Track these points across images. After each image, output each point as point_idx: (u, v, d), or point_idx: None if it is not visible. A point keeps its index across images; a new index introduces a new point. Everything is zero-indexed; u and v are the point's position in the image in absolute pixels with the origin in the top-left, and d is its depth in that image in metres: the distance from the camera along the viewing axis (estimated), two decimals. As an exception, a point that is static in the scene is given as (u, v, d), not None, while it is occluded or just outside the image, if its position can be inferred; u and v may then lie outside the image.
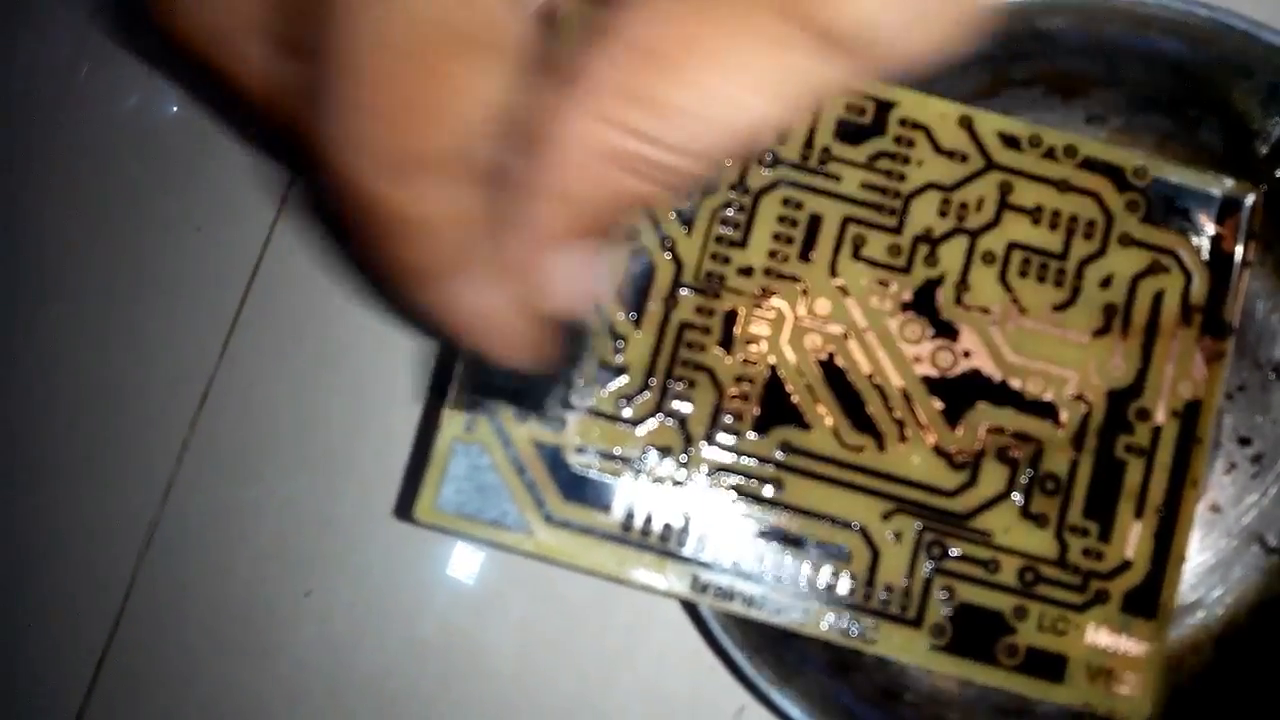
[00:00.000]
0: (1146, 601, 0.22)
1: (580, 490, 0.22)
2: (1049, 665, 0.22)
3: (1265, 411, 0.26)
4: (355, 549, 0.30)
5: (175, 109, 0.32)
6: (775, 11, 0.13)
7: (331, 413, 0.30)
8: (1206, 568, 0.25)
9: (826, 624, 0.22)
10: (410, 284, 0.16)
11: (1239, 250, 0.23)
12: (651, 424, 0.22)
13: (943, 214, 0.23)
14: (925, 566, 0.22)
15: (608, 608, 0.29)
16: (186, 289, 0.31)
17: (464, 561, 0.29)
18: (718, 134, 0.14)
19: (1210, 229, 0.23)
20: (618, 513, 0.22)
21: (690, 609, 0.27)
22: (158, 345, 0.31)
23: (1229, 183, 0.23)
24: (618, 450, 0.22)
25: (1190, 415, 0.23)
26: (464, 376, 0.22)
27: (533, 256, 0.16)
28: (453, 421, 0.22)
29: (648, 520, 0.22)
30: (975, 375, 0.23)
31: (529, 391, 0.22)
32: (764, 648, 0.23)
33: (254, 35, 0.16)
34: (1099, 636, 0.22)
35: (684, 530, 0.22)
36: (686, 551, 0.22)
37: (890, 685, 0.24)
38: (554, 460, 0.22)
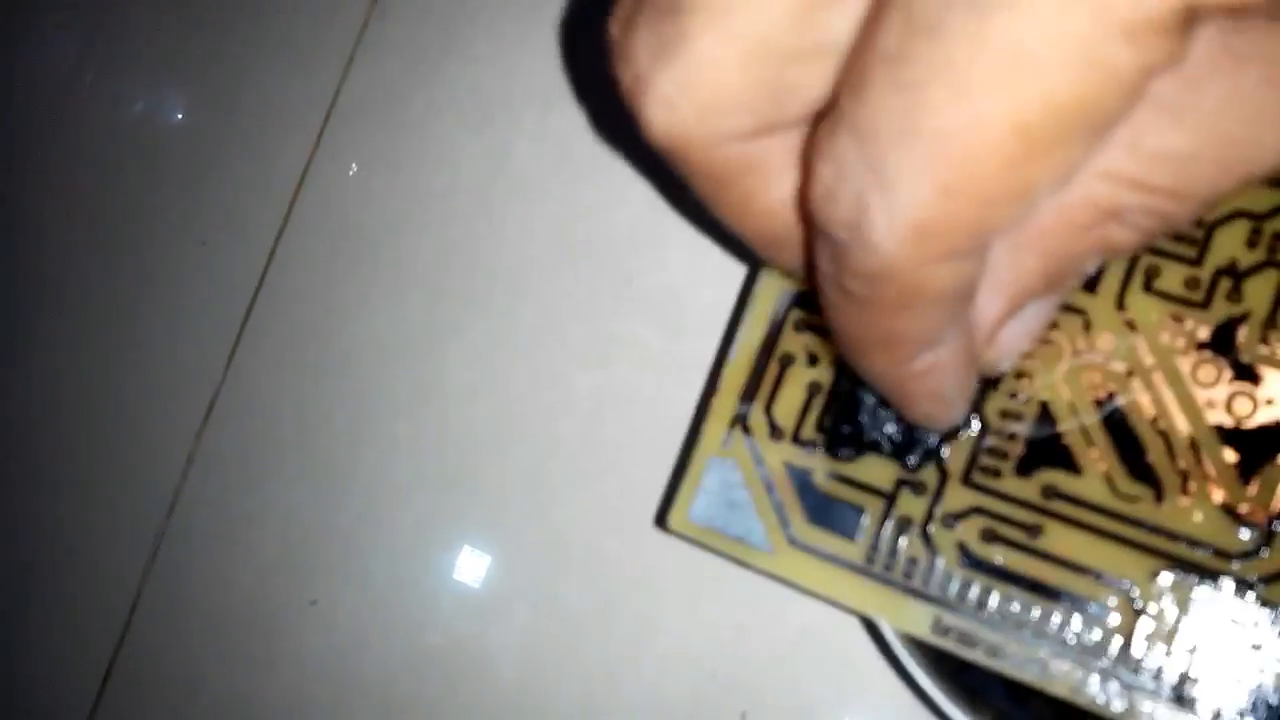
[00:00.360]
0: None
1: (826, 516, 0.22)
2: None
3: None
4: (358, 557, 0.29)
5: (180, 116, 0.33)
6: None
7: (335, 423, 0.30)
8: None
9: (1077, 686, 0.20)
10: (882, 352, 0.16)
11: None
12: (909, 457, 0.22)
13: (1251, 245, 0.20)
14: (1195, 634, 0.20)
15: (610, 616, 0.28)
16: (191, 301, 0.32)
17: (469, 566, 0.29)
18: (1230, 178, 0.14)
19: None
20: (862, 543, 0.22)
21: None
22: (163, 358, 0.32)
23: None
24: (869, 480, 0.22)
25: None
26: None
27: (999, 312, 0.17)
28: (711, 436, 0.23)
29: (893, 553, 0.21)
30: (1278, 427, 0.20)
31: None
32: (943, 666, 0.22)
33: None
34: None
35: (929, 569, 0.21)
36: (931, 590, 0.21)
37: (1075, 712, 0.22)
38: (803, 483, 0.22)
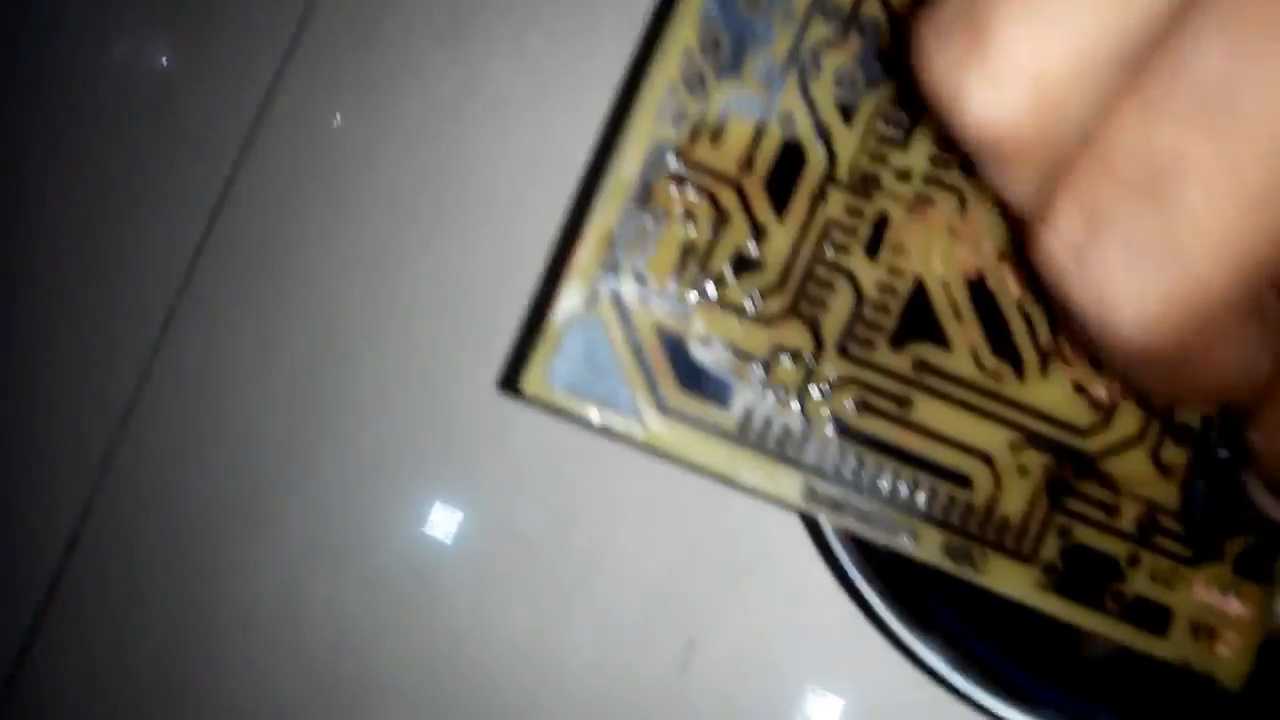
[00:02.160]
0: (1259, 565, 0.22)
1: (698, 383, 0.21)
2: (1154, 617, 0.22)
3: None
4: (313, 475, 0.29)
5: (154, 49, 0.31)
6: None
7: (295, 342, 0.29)
8: None
9: (937, 548, 0.21)
10: None
11: None
12: (782, 323, 0.21)
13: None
14: (1045, 503, 0.21)
15: (566, 537, 0.28)
16: (153, 213, 0.30)
17: (424, 488, 0.29)
18: None
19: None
20: (736, 411, 0.21)
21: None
22: (122, 269, 0.31)
23: None
24: (744, 346, 0.21)
25: (1336, 381, 0.22)
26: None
27: None
28: (572, 296, 0.21)
29: (766, 423, 0.21)
30: (1126, 313, 0.22)
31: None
32: (897, 592, 0.22)
33: None
34: (1207, 595, 0.22)
35: (803, 437, 0.21)
36: (804, 459, 0.21)
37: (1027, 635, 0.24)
38: (675, 349, 0.21)
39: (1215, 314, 0.15)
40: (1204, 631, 0.22)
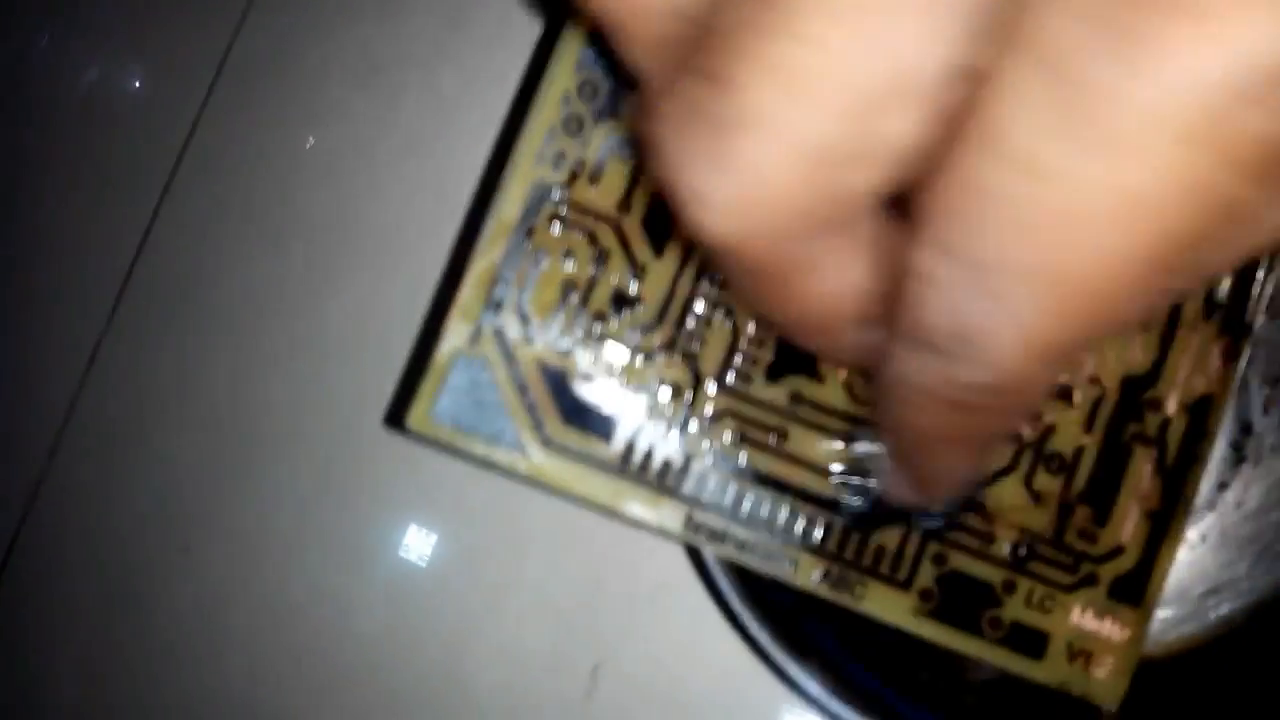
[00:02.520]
0: (1133, 590, 0.22)
1: (582, 417, 0.22)
2: (1031, 641, 0.22)
3: None
4: (229, 508, 0.30)
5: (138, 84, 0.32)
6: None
7: (215, 375, 0.30)
8: (1229, 557, 0.26)
9: (815, 576, 0.22)
10: (958, 448, 0.17)
11: (1264, 253, 0.23)
12: (661, 359, 0.22)
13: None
14: (920, 531, 0.22)
15: (474, 566, 0.29)
16: (76, 253, 0.31)
17: (333, 515, 0.30)
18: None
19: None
20: (618, 444, 0.21)
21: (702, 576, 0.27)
22: (46, 308, 0.31)
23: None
24: (626, 380, 0.22)
25: (1201, 410, 0.23)
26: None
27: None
28: (456, 333, 0.21)
29: (648, 455, 0.21)
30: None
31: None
32: (778, 621, 0.23)
33: None
34: (1083, 619, 0.22)
35: (683, 469, 0.21)
36: (685, 490, 0.21)
37: (907, 661, 0.24)
38: (557, 384, 0.22)
39: (790, 219, 0.14)
40: (1080, 655, 0.22)
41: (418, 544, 0.29)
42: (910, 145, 0.13)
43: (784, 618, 0.23)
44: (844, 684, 0.22)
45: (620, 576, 0.28)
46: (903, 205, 0.14)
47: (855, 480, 0.22)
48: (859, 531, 0.22)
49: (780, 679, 0.22)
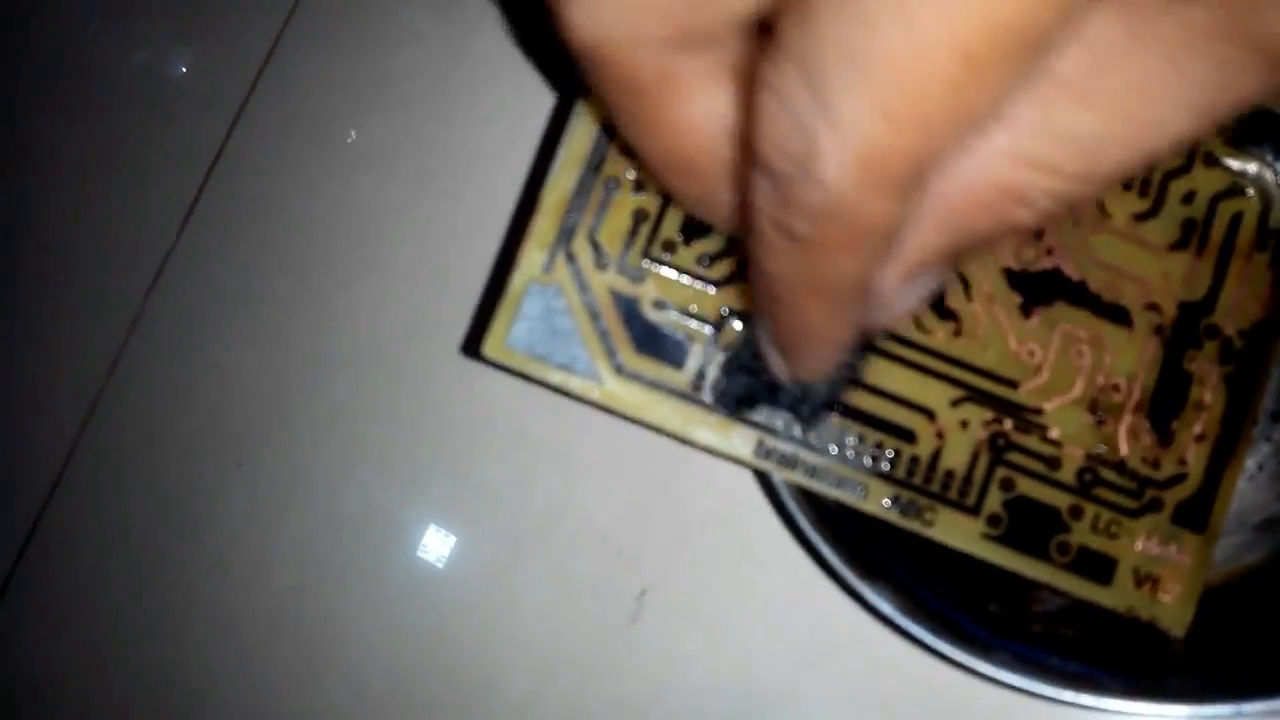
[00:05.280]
0: (1197, 516, 0.23)
1: (654, 345, 0.22)
2: (1098, 566, 0.22)
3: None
4: (284, 426, 0.30)
5: (184, 70, 0.32)
6: (1219, 32, 0.13)
7: (278, 294, 0.30)
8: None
9: (885, 501, 0.22)
10: (815, 299, 0.16)
11: (1319, 183, 0.23)
12: (733, 287, 0.22)
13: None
14: (988, 456, 0.22)
15: (526, 490, 0.29)
16: (152, 168, 0.31)
17: (389, 444, 0.29)
18: (1134, 159, 0.14)
19: (1294, 158, 0.23)
20: (689, 372, 0.22)
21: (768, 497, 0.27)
22: (119, 220, 0.32)
23: (1315, 116, 0.23)
24: (695, 309, 0.22)
25: (1258, 337, 0.23)
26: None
27: (899, 280, 0.16)
28: (530, 261, 0.22)
29: (719, 382, 0.22)
30: (1056, 273, 0.23)
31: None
32: (847, 545, 0.23)
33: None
34: (1148, 544, 0.22)
35: (756, 395, 0.22)
36: (755, 416, 0.22)
37: (975, 592, 0.24)
38: (630, 312, 0.22)
39: (655, 21, 0.14)
40: (1147, 580, 0.22)
41: (477, 471, 0.29)
42: None
43: (854, 541, 0.23)
44: (914, 603, 0.22)
45: (669, 501, 0.28)
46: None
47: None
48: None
49: (850, 596, 0.22)
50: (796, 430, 0.22)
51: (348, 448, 0.29)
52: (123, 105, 0.31)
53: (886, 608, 0.22)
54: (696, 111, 0.16)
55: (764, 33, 0.14)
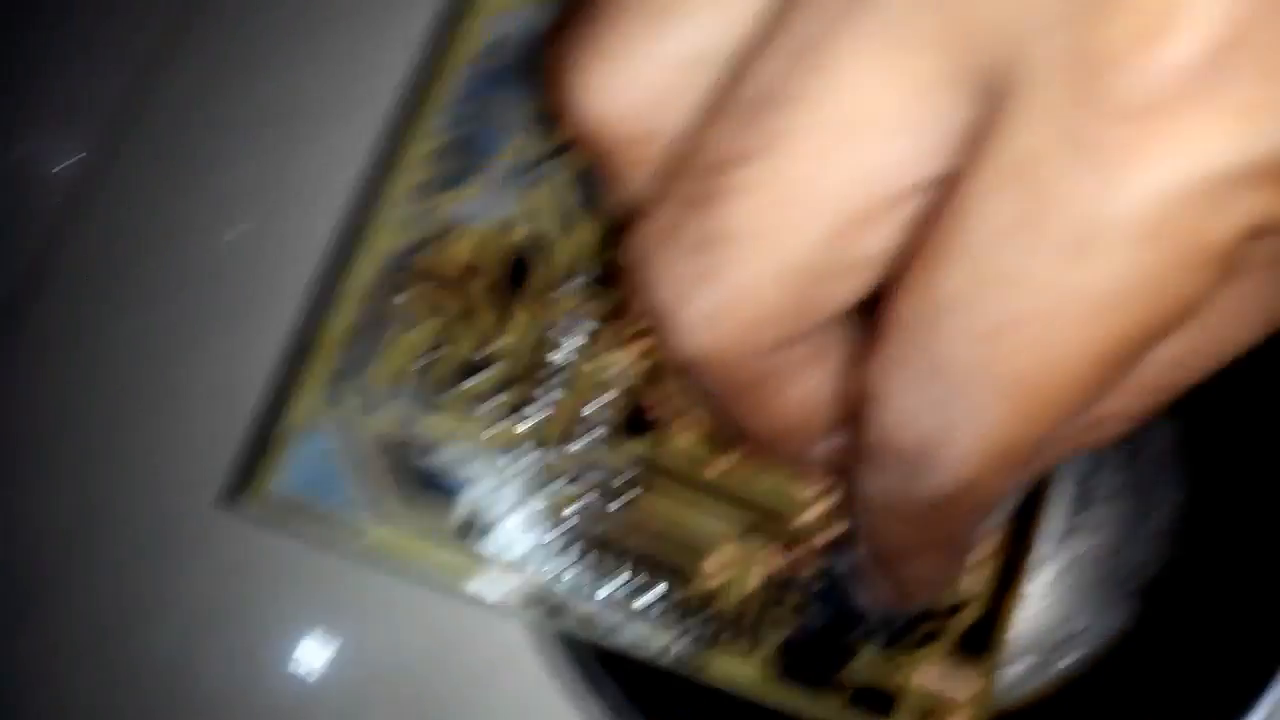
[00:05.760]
0: (979, 643, 0.23)
1: (425, 489, 0.21)
2: (880, 701, 0.22)
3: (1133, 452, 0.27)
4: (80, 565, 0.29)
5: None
6: None
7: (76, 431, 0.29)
8: (1073, 608, 0.26)
9: (658, 647, 0.21)
10: (936, 551, 0.17)
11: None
12: (506, 425, 0.21)
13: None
14: (763, 594, 0.22)
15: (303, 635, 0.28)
16: None
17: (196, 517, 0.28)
18: (1205, 370, 0.15)
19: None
20: (457, 518, 0.21)
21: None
22: None
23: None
24: (469, 450, 0.21)
25: (1039, 464, 0.23)
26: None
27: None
28: (297, 408, 0.21)
29: (489, 528, 0.21)
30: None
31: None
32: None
33: None
34: (930, 675, 0.22)
35: (529, 540, 0.21)
36: (528, 562, 0.21)
37: None
38: (400, 457, 0.21)
39: (767, 333, 0.15)
40: (931, 713, 0.22)
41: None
42: (886, 255, 0.14)
43: (634, 686, 0.22)
44: None
45: (460, 646, 0.28)
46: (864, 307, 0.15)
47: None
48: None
49: None
50: (569, 574, 0.21)
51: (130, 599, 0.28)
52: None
53: None
54: (797, 394, 0.17)
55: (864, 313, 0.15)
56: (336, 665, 0.28)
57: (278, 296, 0.28)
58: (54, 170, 0.31)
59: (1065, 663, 0.25)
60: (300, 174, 0.29)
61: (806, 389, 0.17)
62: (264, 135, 0.30)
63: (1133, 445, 0.26)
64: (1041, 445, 0.14)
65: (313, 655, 0.28)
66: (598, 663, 0.22)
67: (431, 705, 0.28)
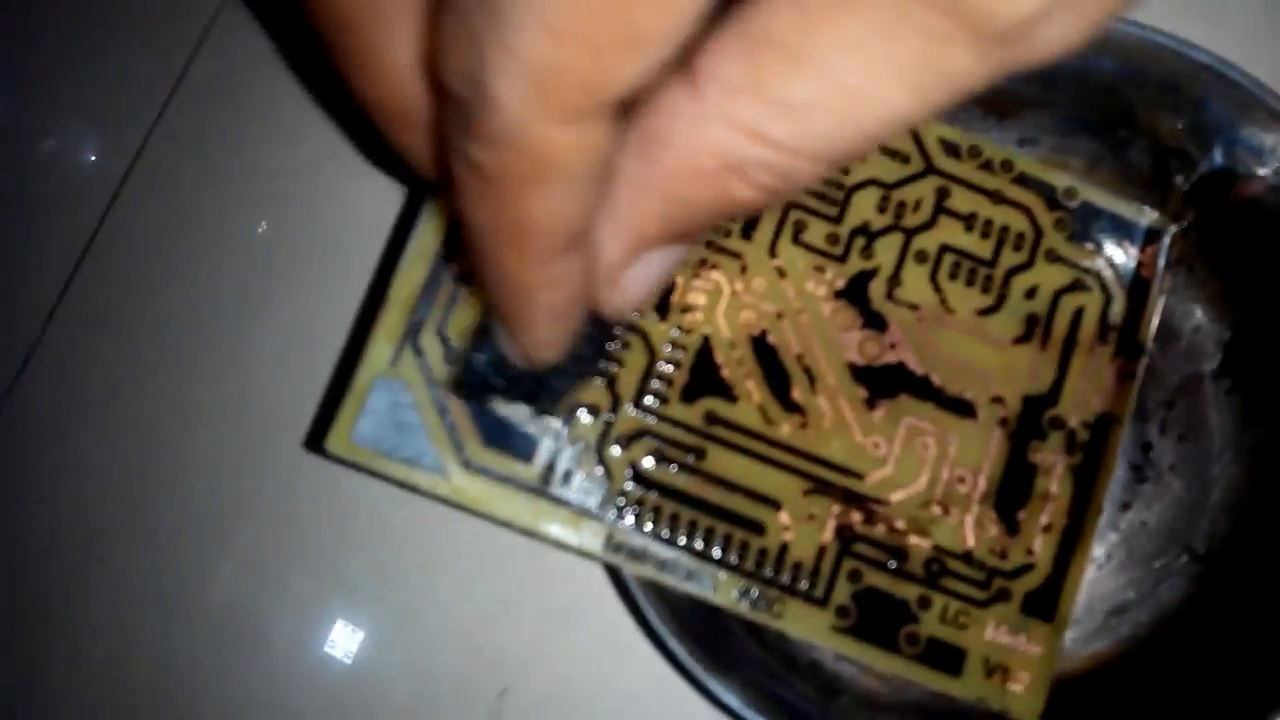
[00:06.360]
0: (1045, 605, 0.23)
1: (502, 438, 0.22)
2: (948, 657, 0.22)
3: (1194, 424, 0.27)
4: (148, 520, 0.30)
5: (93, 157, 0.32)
6: (930, 3, 0.12)
7: (143, 387, 0.30)
8: (1134, 575, 0.26)
9: (734, 594, 0.22)
10: (513, 246, 0.15)
11: (1157, 278, 0.24)
12: (542, 402, 0.22)
13: (881, 210, 0.24)
14: (835, 548, 0.22)
15: (385, 588, 0.29)
16: (15, 262, 0.31)
17: (253, 535, 0.29)
18: (848, 135, 0.14)
19: (1132, 254, 0.24)
20: (538, 465, 0.22)
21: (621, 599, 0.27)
22: None
23: (1152, 214, 0.24)
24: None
25: (1101, 429, 0.23)
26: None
27: (620, 253, 0.16)
28: (377, 355, 0.22)
29: (567, 476, 0.22)
30: (900, 368, 0.23)
31: (539, 389, 0.21)
32: (699, 641, 0.23)
33: None
34: (997, 634, 0.23)
35: (602, 488, 0.22)
36: (604, 509, 0.22)
37: (826, 686, 0.24)
38: (477, 406, 0.22)
39: None
40: (997, 670, 0.22)
41: (337, 568, 0.29)
42: None
43: (704, 635, 0.23)
44: (765, 698, 0.22)
45: (529, 596, 0.28)
46: None
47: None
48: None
49: (701, 694, 0.22)
50: (645, 522, 0.22)
51: (209, 545, 0.29)
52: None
53: (734, 702, 0.22)
54: (402, 52, 0.16)
55: None
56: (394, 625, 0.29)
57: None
58: (91, 158, 0.32)
59: (1124, 629, 0.25)
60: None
61: (408, 52, 0.16)
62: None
63: (1193, 418, 0.26)
64: (592, 92, 0.13)
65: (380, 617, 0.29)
66: (672, 613, 0.22)
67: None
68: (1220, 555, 0.25)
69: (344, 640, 0.28)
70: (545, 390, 0.21)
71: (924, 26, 0.12)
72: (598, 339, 0.21)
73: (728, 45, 0.13)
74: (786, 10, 0.13)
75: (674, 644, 0.22)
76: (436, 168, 0.18)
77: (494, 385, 0.21)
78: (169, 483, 0.29)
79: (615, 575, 0.23)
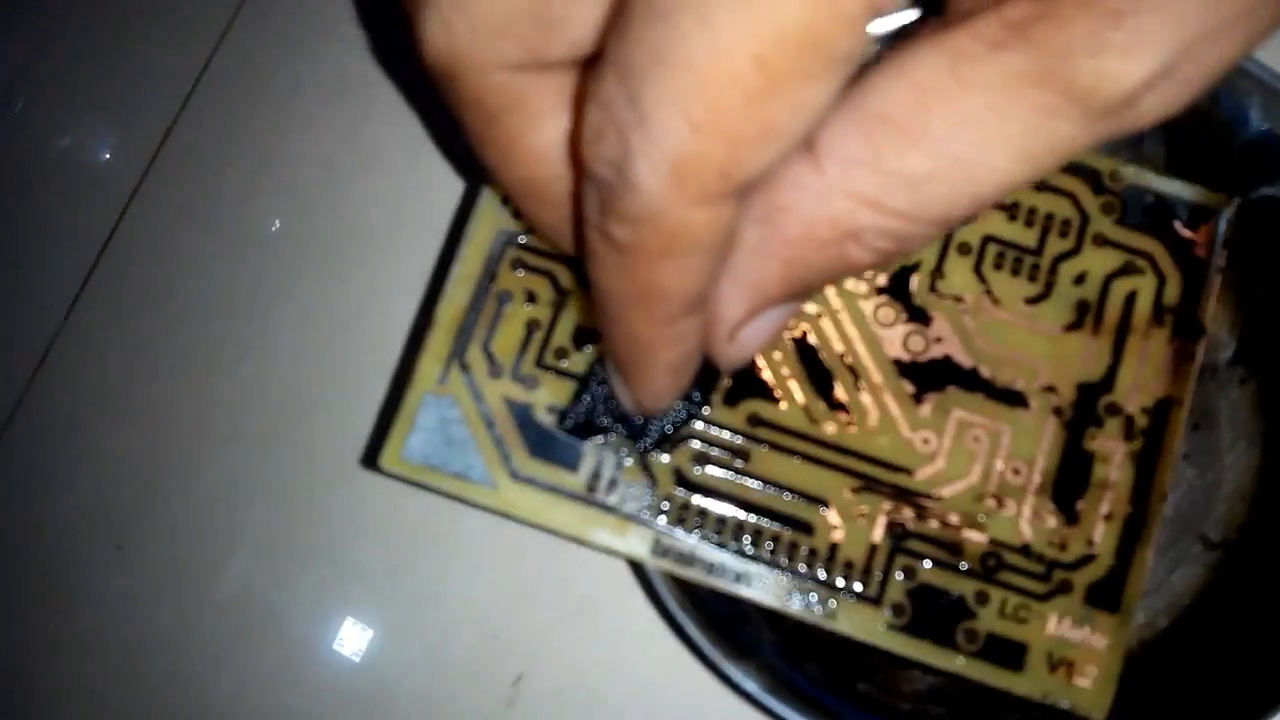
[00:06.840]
0: (1109, 595, 0.22)
1: (548, 449, 0.22)
2: (1009, 653, 0.22)
3: (1208, 413, 0.26)
4: (166, 507, 0.30)
5: (107, 155, 0.34)
6: (1036, 79, 0.14)
7: (160, 376, 0.31)
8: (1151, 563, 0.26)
9: (785, 597, 0.22)
10: (640, 309, 0.16)
11: (1214, 256, 0.23)
12: (643, 441, 0.22)
13: (921, 202, 0.23)
14: (887, 545, 0.22)
15: (400, 575, 0.29)
16: (40, 251, 0.32)
17: (267, 520, 0.30)
18: (962, 201, 0.15)
19: (1184, 234, 0.24)
20: (584, 474, 0.22)
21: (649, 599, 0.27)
22: (5, 301, 0.32)
23: (1201, 191, 0.24)
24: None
25: (1160, 413, 0.23)
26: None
27: (741, 312, 0.17)
28: (426, 373, 0.22)
29: (613, 483, 0.22)
30: (946, 361, 0.23)
31: (644, 429, 0.22)
32: (717, 626, 0.23)
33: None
34: (1060, 627, 0.22)
35: (648, 494, 0.22)
36: (650, 515, 0.22)
37: (844, 672, 0.24)
38: (524, 418, 0.22)
39: (507, 46, 0.15)
40: (1062, 664, 0.22)
41: (354, 555, 0.30)
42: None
43: (722, 621, 0.23)
44: (783, 684, 0.22)
45: (547, 588, 0.29)
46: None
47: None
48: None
49: (719, 678, 0.22)
50: (692, 526, 0.22)
51: (227, 532, 0.30)
52: (14, 186, 0.33)
53: (752, 687, 0.22)
54: (543, 138, 0.17)
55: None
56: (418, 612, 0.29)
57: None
58: (105, 156, 0.33)
59: (1138, 617, 0.24)
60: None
61: (550, 137, 0.17)
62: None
63: (1206, 407, 0.26)
64: (730, 178, 0.14)
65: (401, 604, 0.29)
66: (690, 601, 0.22)
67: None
68: (1234, 543, 0.25)
69: (358, 627, 0.29)
70: (648, 430, 0.22)
71: (1034, 103, 0.14)
72: (703, 387, 0.22)
73: (846, 123, 0.14)
74: (902, 91, 0.14)
75: (692, 630, 0.22)
76: (571, 238, 0.19)
77: (599, 425, 0.22)
78: (186, 471, 0.30)
79: (633, 562, 0.23)
